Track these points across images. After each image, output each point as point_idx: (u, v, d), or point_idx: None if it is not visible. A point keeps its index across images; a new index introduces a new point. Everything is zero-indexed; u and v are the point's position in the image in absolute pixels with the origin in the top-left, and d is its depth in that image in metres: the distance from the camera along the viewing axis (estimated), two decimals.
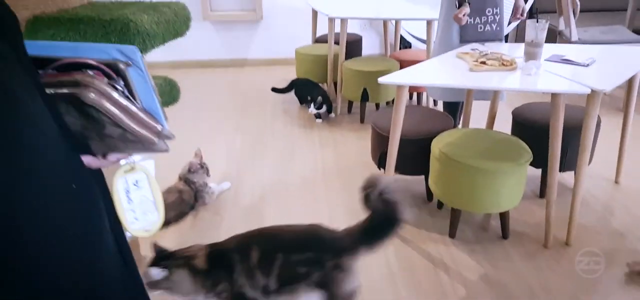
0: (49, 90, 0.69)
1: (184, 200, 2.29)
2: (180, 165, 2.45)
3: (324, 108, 3.57)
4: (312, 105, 3.52)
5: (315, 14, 4.35)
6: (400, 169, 2.32)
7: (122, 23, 1.58)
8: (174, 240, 2.18)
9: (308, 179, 2.76)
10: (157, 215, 0.97)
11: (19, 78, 0.64)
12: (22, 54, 0.68)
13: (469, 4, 2.52)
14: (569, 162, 2.35)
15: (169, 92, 2.11)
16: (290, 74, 4.46)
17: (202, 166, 2.42)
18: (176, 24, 1.83)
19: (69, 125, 0.70)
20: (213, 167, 2.55)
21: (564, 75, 2.03)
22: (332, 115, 3.70)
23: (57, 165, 0.67)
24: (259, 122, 3.61)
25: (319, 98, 3.50)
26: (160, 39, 1.71)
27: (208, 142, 2.95)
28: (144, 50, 1.60)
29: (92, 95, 0.67)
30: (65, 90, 0.69)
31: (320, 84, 3.83)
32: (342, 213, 2.40)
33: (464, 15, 2.51)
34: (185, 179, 2.36)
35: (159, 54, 1.72)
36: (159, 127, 0.75)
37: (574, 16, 3.50)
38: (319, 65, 3.90)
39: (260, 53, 5.24)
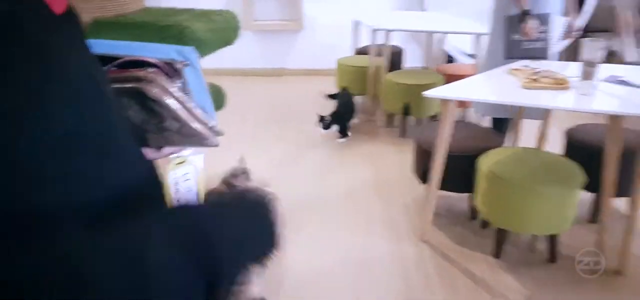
0: (113, 86, 0.76)
1: None
2: (223, 169, 2.55)
3: (333, 128, 3.40)
4: (320, 124, 3.38)
5: (356, 24, 4.43)
6: (444, 185, 2.33)
7: (178, 29, 1.68)
8: None
9: (346, 191, 2.81)
10: None
11: (99, 72, 0.72)
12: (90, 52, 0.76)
13: (531, 16, 2.52)
14: (624, 187, 2.30)
15: (216, 99, 2.21)
16: (328, 85, 4.54)
17: (245, 171, 2.51)
18: (227, 32, 1.93)
19: (130, 118, 0.77)
20: (253, 173, 2.64)
21: (622, 97, 2.01)
22: (342, 140, 3.50)
23: (137, 154, 0.75)
24: (297, 131, 3.70)
25: (327, 117, 3.37)
26: (212, 46, 1.81)
27: (249, 149, 3.04)
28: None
29: (156, 90, 0.74)
30: (129, 85, 0.76)
31: (352, 100, 3.69)
32: (380, 227, 2.43)
33: (533, 29, 2.51)
34: (228, 182, 2.46)
35: (202, 61, 1.83)
36: (211, 123, 0.81)
37: (633, 36, 3.43)
38: (360, 76, 3.96)
39: (299, 63, 5.35)
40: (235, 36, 2.11)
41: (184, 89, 0.79)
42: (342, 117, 3.48)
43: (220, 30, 1.96)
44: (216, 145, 0.82)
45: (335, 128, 3.44)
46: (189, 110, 0.78)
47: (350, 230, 2.41)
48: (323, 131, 3.41)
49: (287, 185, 2.87)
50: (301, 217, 2.53)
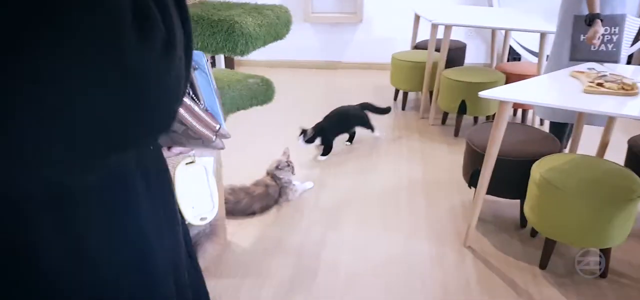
0: None
1: (269, 194, 2.54)
2: (268, 161, 2.69)
3: (317, 141, 3.15)
4: (301, 137, 3.10)
5: (417, 18, 4.42)
6: (493, 190, 2.33)
7: (229, 24, 1.81)
8: (257, 230, 2.43)
9: (391, 189, 2.86)
10: (212, 206, 1.10)
11: None
12: None
13: (601, 21, 2.44)
14: None
15: (265, 92, 2.34)
16: (383, 80, 4.58)
17: (289, 164, 2.65)
18: (277, 27, 2.04)
19: None
20: (298, 166, 2.76)
21: None
22: (323, 157, 3.24)
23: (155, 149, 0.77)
24: None
25: (310, 131, 3.11)
26: (261, 41, 1.92)
27: (296, 142, 3.15)
28: (246, 51, 1.81)
29: None
30: None
31: (347, 115, 3.40)
32: (423, 228, 2.47)
33: (598, 37, 2.45)
34: (272, 174, 2.61)
35: (258, 53, 1.94)
36: (217, 127, 0.88)
37: None
38: (415, 72, 3.97)
39: (356, 57, 5.41)
40: (286, 31, 2.20)
41: (192, 92, 0.86)
42: (325, 132, 3.19)
43: (271, 25, 2.06)
44: (222, 148, 0.91)
45: (318, 142, 3.16)
46: (194, 114, 0.84)
47: (392, 229, 2.47)
48: (303, 145, 3.09)
49: (333, 179, 2.96)
50: (344, 212, 2.62)
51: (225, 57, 4.68)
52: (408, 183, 2.93)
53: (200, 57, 0.85)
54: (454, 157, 3.22)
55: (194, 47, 0.96)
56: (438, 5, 4.59)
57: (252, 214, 2.51)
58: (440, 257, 2.26)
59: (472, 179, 2.50)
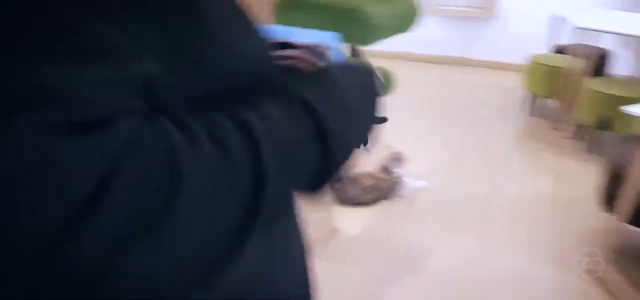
0: None
1: (380, 187, 2.49)
2: (382, 154, 2.63)
3: None
4: None
5: (554, 19, 4.02)
6: (635, 219, 2.03)
7: (357, 13, 1.76)
8: (365, 221, 2.41)
9: (514, 201, 2.63)
10: None
11: None
12: None
13: None
14: None
15: (384, 84, 2.27)
16: (510, 82, 4.25)
17: (402, 159, 2.57)
18: (405, 19, 1.95)
19: None
20: (413, 163, 2.66)
21: None
22: None
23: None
24: (470, 129, 3.56)
25: None
26: (387, 32, 1.85)
27: (413, 139, 3.05)
28: (370, 41, 1.75)
29: (305, 66, 0.83)
30: (283, 63, 0.86)
31: None
32: (545, 250, 2.23)
33: None
34: (385, 168, 2.55)
35: (380, 43, 1.88)
36: None
37: None
38: (553, 78, 3.62)
39: (485, 54, 5.09)
40: (412, 25, 2.11)
41: None
42: None
43: (398, 17, 1.99)
44: None
45: None
46: None
47: (509, 245, 2.27)
48: None
49: (450, 183, 2.81)
50: (456, 218, 2.47)
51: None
52: (533, 197, 2.67)
53: (335, 39, 0.86)
54: (587, 175, 2.87)
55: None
56: (580, 6, 4.13)
57: (361, 204, 2.48)
58: (563, 286, 2.02)
59: (609, 204, 2.20)
